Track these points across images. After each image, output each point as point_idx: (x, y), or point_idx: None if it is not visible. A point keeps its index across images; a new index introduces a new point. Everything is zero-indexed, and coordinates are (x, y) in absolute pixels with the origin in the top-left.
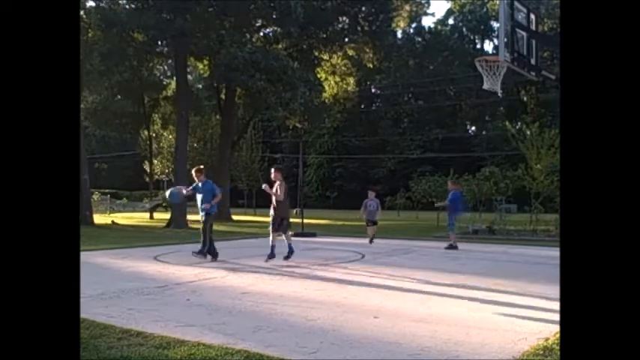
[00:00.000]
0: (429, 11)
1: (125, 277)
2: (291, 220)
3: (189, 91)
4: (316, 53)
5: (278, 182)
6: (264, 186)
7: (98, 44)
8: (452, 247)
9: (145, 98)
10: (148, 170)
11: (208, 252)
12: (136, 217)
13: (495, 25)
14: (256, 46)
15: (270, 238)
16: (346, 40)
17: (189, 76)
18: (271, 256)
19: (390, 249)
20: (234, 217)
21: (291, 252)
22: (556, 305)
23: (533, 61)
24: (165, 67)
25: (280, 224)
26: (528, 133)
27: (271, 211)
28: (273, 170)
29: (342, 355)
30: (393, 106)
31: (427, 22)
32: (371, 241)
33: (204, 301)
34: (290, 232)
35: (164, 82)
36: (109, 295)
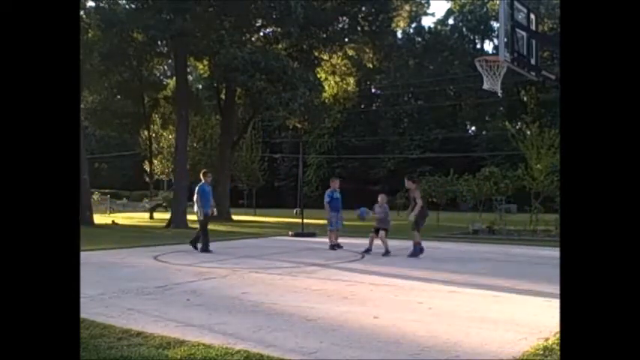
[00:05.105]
0: (429, 11)
1: (125, 277)
2: (291, 220)
3: (189, 91)
4: (316, 53)
5: None
6: None
7: (98, 44)
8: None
9: (144, 98)
10: (148, 170)
11: None
12: (136, 217)
13: (495, 25)
14: (256, 46)
15: None
16: (346, 40)
17: (189, 76)
18: None
19: (390, 249)
20: (234, 217)
21: None
22: (556, 305)
23: (533, 61)
24: (165, 67)
25: None
26: (528, 133)
27: None
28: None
29: (342, 355)
30: (392, 106)
31: (427, 22)
32: None
33: (204, 301)
34: None
35: (164, 82)
36: (109, 295)
